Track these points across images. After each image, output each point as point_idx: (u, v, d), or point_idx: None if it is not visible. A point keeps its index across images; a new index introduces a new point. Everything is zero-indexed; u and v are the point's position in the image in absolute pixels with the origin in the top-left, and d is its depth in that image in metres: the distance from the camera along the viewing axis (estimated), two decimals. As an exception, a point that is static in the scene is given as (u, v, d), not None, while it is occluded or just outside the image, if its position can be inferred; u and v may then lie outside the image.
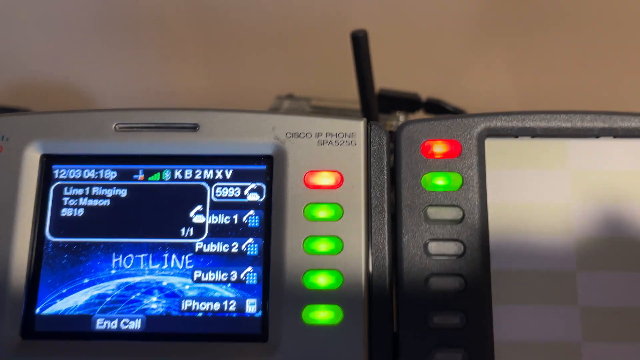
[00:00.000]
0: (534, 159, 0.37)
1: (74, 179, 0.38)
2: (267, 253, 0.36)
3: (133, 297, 0.36)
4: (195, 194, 0.37)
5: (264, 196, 0.37)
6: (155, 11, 0.70)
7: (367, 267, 0.35)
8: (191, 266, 0.36)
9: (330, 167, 0.37)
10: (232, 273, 0.36)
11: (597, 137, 0.37)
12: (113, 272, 0.37)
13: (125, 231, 0.37)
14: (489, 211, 0.36)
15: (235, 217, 0.37)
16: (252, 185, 0.37)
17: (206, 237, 0.37)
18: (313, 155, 0.37)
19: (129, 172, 0.38)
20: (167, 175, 0.38)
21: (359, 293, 0.35)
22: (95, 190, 0.38)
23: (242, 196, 0.37)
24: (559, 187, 0.37)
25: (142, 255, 0.37)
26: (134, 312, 0.36)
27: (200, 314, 0.36)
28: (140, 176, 0.38)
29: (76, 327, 0.36)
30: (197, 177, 0.38)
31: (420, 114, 0.61)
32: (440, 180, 0.37)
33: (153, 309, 0.36)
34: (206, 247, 0.37)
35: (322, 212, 0.36)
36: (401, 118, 0.64)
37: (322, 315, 0.35)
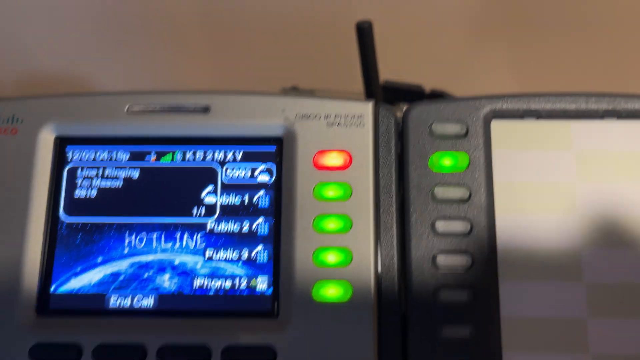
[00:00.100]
0: (539, 139, 0.38)
1: (87, 161, 0.39)
2: (277, 232, 0.37)
3: (146, 275, 0.37)
4: (207, 175, 0.38)
5: (274, 177, 0.38)
6: (162, 6, 0.71)
7: (375, 244, 0.36)
8: (203, 245, 0.37)
9: (339, 148, 0.37)
10: (243, 251, 0.37)
11: (602, 118, 0.38)
12: (126, 251, 0.37)
13: (138, 211, 0.38)
14: (495, 190, 0.37)
15: (246, 197, 0.38)
16: (262, 167, 0.38)
17: (217, 217, 0.37)
18: (322, 137, 0.38)
19: (141, 154, 0.39)
20: (178, 156, 0.38)
21: (367, 270, 0.36)
22: (108, 171, 0.38)
23: (253, 177, 0.38)
24: (564, 167, 0.37)
25: (154, 235, 0.37)
26: (146, 290, 0.37)
27: (212, 292, 0.36)
28: (153, 157, 0.38)
29: (90, 304, 0.37)
30: (208, 158, 0.38)
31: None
32: (447, 161, 0.37)
33: (166, 287, 0.37)
34: (217, 227, 0.37)
35: (332, 192, 0.37)
36: (403, 109, 0.65)
37: (332, 292, 0.35)
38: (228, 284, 0.37)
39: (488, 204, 0.37)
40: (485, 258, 0.36)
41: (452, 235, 0.36)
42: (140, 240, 0.37)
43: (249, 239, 0.37)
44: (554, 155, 0.37)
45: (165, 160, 0.38)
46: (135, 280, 0.37)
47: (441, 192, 0.37)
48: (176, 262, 0.37)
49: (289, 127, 0.38)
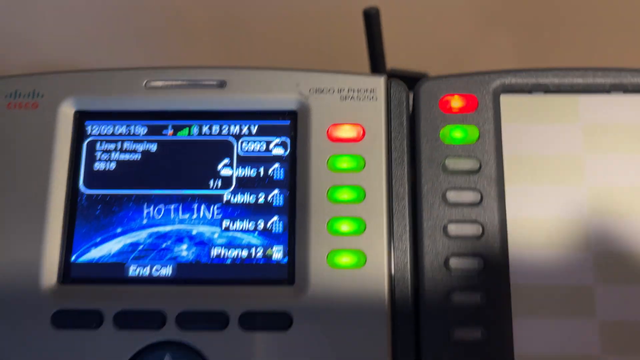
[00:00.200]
0: (547, 113, 0.39)
1: (106, 135, 0.40)
2: (292, 203, 0.38)
3: (164, 245, 0.38)
4: (223, 148, 0.39)
5: (289, 150, 0.39)
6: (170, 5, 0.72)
7: (388, 214, 0.37)
8: (219, 216, 0.38)
9: (352, 121, 0.38)
10: (259, 222, 0.38)
11: (608, 92, 0.39)
12: (144, 222, 0.38)
13: (156, 183, 0.39)
14: (505, 162, 0.38)
15: (261, 169, 0.39)
16: (277, 140, 0.39)
17: (234, 189, 0.38)
18: (336, 110, 0.39)
19: (158, 128, 0.39)
20: (195, 130, 0.39)
21: (380, 238, 0.37)
22: (126, 145, 0.39)
23: (268, 150, 0.39)
24: (571, 140, 0.38)
25: (172, 206, 0.38)
26: (165, 259, 0.38)
27: (228, 261, 0.37)
28: (170, 131, 0.39)
29: (110, 273, 0.38)
30: (224, 132, 0.39)
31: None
32: (457, 133, 0.38)
33: (183, 256, 0.38)
34: (234, 198, 0.38)
35: (345, 164, 0.38)
36: (411, 97, 0.66)
37: (346, 260, 0.36)
38: (244, 253, 0.38)
39: (498, 175, 0.38)
40: (495, 228, 0.37)
41: (462, 205, 0.37)
42: (159, 211, 0.38)
43: (265, 210, 0.38)
44: (562, 128, 0.38)
45: (182, 134, 0.39)
46: (153, 250, 0.38)
47: (452, 163, 0.38)
48: (194, 233, 0.38)
49: (303, 101, 0.39)
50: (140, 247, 0.38)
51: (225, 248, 0.38)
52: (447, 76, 0.39)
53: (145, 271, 0.38)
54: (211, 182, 0.39)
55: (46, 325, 0.36)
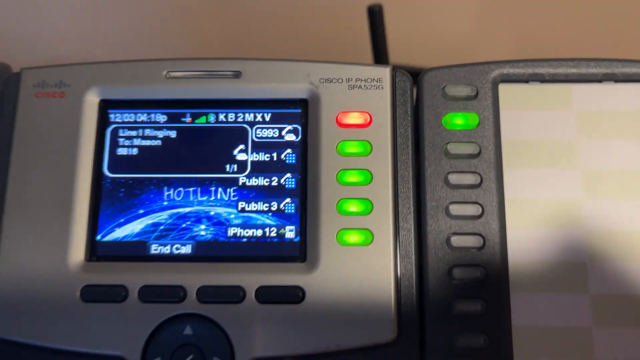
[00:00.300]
0: (543, 101, 0.41)
1: (128, 122, 0.42)
2: (303, 186, 0.40)
3: (184, 225, 0.40)
4: (238, 135, 0.42)
5: (300, 136, 0.41)
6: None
7: (394, 195, 0.40)
8: (236, 198, 0.41)
9: (360, 109, 0.41)
10: (272, 204, 0.40)
11: (600, 81, 0.41)
12: (165, 203, 0.41)
13: (176, 168, 0.41)
14: (503, 147, 0.40)
15: (274, 155, 0.41)
16: (289, 127, 0.42)
17: (249, 173, 0.41)
18: (344, 98, 0.41)
19: (177, 116, 0.42)
20: (212, 118, 0.42)
21: (387, 218, 0.39)
22: (147, 131, 0.42)
23: (280, 136, 0.42)
24: (566, 126, 0.41)
25: (191, 189, 0.41)
26: (184, 238, 0.40)
27: (244, 240, 0.40)
28: (188, 119, 0.42)
29: (133, 251, 0.40)
30: (239, 119, 0.42)
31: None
32: (459, 120, 0.41)
33: (202, 236, 0.40)
34: (249, 181, 0.41)
35: (353, 148, 0.40)
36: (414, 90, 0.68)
37: (354, 238, 0.39)
38: (259, 232, 0.40)
39: (496, 159, 0.40)
40: (494, 208, 0.39)
41: (463, 187, 0.40)
42: (178, 193, 0.41)
43: (278, 193, 0.41)
44: (557, 115, 0.41)
45: (200, 122, 0.42)
46: (174, 229, 0.40)
47: (453, 148, 0.40)
48: (211, 213, 0.41)
49: (313, 90, 0.41)
50: (162, 227, 0.40)
51: (241, 228, 0.40)
52: (449, 66, 0.42)
53: (166, 249, 0.40)
54: (227, 167, 0.41)
55: (75, 299, 0.38)
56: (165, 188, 0.41)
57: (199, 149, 0.41)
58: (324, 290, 0.38)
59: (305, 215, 0.40)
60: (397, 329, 0.38)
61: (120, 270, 0.39)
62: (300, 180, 0.41)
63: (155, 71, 0.42)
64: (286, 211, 0.40)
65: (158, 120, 0.42)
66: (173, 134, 0.42)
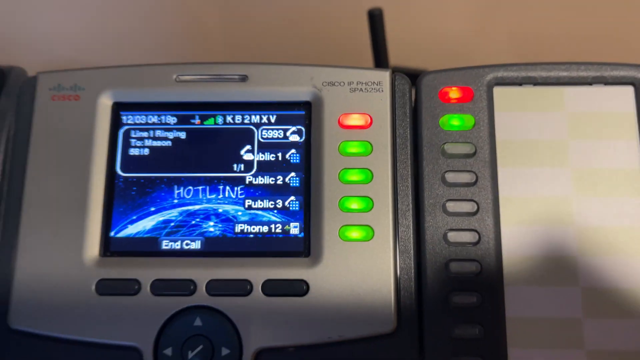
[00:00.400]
0: (536, 103, 0.43)
1: (139, 124, 0.44)
2: (307, 184, 0.42)
3: (193, 222, 0.42)
4: (245, 136, 0.44)
5: (304, 137, 0.43)
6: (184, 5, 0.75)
7: (394, 193, 0.42)
8: (243, 196, 0.43)
9: (361, 110, 0.43)
10: (277, 201, 0.42)
11: (590, 84, 0.43)
12: (175, 201, 0.43)
13: (185, 167, 0.43)
14: (497, 147, 0.42)
15: (279, 155, 0.43)
16: (293, 128, 0.44)
17: (255, 172, 0.43)
18: (346, 101, 0.43)
19: (187, 117, 0.44)
20: (220, 120, 0.44)
21: (387, 215, 0.41)
22: (158, 133, 0.44)
23: (285, 137, 0.44)
24: (557, 127, 0.43)
25: (200, 187, 0.43)
26: (194, 234, 0.42)
27: (251, 235, 0.42)
28: (197, 121, 0.44)
29: (145, 247, 0.42)
30: (246, 121, 0.44)
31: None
32: (455, 121, 0.43)
33: (211, 232, 0.42)
34: (255, 180, 0.43)
35: (354, 149, 0.42)
36: (413, 90, 0.70)
37: (356, 234, 0.41)
38: (265, 229, 0.42)
39: (491, 158, 0.42)
40: (489, 205, 0.41)
41: (459, 185, 0.42)
42: (188, 192, 0.43)
43: (283, 191, 0.43)
44: (549, 117, 0.43)
45: (209, 123, 0.44)
46: (184, 226, 0.42)
47: (450, 148, 0.42)
48: (220, 211, 0.43)
49: (316, 93, 0.43)
50: (172, 223, 0.42)
51: (248, 224, 0.42)
52: (446, 70, 0.44)
53: (177, 245, 0.42)
54: (235, 166, 0.43)
55: (91, 293, 0.40)
56: (176, 186, 0.43)
57: (207, 149, 0.43)
58: (327, 284, 0.40)
59: (309, 212, 0.42)
60: (396, 320, 0.39)
61: (133, 265, 0.41)
62: (304, 179, 0.43)
63: (166, 75, 0.44)
64: (291, 208, 0.42)
65: (168, 122, 0.44)
66: (183, 135, 0.44)
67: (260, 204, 0.42)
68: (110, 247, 0.42)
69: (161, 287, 0.40)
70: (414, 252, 0.41)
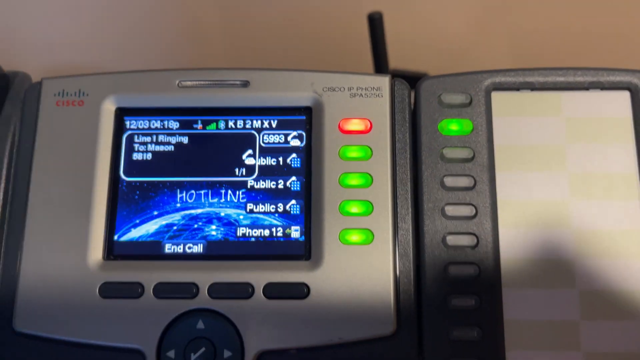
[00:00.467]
0: (533, 108, 0.44)
1: (143, 129, 0.45)
2: (308, 188, 0.43)
3: (196, 225, 0.43)
4: (246, 141, 0.44)
5: (304, 142, 0.44)
6: (181, 3, 0.75)
7: (393, 197, 0.42)
8: (244, 200, 0.43)
9: (360, 115, 0.43)
10: (278, 205, 0.43)
11: (587, 89, 0.44)
12: (178, 205, 0.43)
13: (188, 171, 0.44)
14: (495, 151, 0.43)
15: (280, 159, 0.44)
16: (294, 133, 0.44)
17: (256, 176, 0.44)
18: (346, 106, 0.44)
19: (189, 122, 0.45)
20: (222, 124, 0.45)
21: (386, 218, 0.42)
22: (161, 137, 0.44)
23: (286, 142, 0.44)
24: (555, 131, 0.43)
25: (202, 191, 0.43)
26: (197, 238, 0.43)
27: (253, 239, 0.43)
28: (199, 126, 0.45)
29: (148, 250, 0.43)
30: (247, 126, 0.45)
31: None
32: (454, 126, 0.43)
33: (213, 235, 0.43)
34: (257, 184, 0.43)
35: (354, 153, 0.43)
36: (412, 94, 0.70)
37: (356, 237, 0.41)
38: (266, 232, 0.43)
39: (489, 162, 0.43)
40: (487, 209, 0.42)
41: (458, 189, 0.42)
42: (191, 196, 0.43)
43: (284, 195, 0.43)
44: (546, 121, 0.43)
45: (211, 128, 0.45)
46: (186, 229, 0.43)
47: (449, 152, 0.43)
48: (222, 215, 0.43)
49: (317, 98, 0.44)
50: (175, 227, 0.43)
51: (249, 228, 0.43)
52: (445, 75, 0.44)
53: (180, 248, 0.43)
54: (236, 170, 0.44)
55: (95, 296, 0.41)
56: (178, 191, 0.43)
57: (209, 154, 0.44)
58: (327, 287, 0.40)
59: (309, 216, 0.42)
60: (396, 322, 0.40)
61: (136, 269, 0.41)
62: (305, 183, 0.43)
63: (168, 81, 0.44)
64: (292, 212, 0.43)
65: (171, 127, 0.45)
66: (185, 139, 0.44)
67: (262, 208, 0.43)
68: (113, 251, 0.42)
69: (164, 290, 0.41)
70: (413, 256, 0.42)
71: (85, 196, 0.42)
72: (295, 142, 0.44)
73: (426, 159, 0.43)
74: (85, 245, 0.42)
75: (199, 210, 0.43)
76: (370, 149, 0.43)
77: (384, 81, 0.44)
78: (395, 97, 0.44)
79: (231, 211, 0.43)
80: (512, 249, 0.41)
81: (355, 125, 0.43)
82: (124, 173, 0.44)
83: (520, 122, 0.43)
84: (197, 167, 0.44)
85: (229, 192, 0.43)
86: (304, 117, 0.44)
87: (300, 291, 0.40)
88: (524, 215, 0.42)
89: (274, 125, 0.44)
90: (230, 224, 0.43)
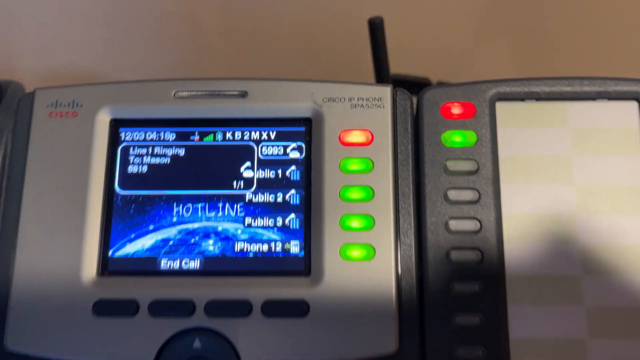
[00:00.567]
0: (539, 118, 0.43)
1: (138, 140, 0.44)
2: (307, 202, 0.42)
3: (192, 240, 0.42)
4: (244, 153, 0.43)
5: (304, 154, 0.43)
6: (181, 5, 0.75)
7: (395, 211, 0.41)
8: (242, 214, 0.42)
9: (361, 127, 0.42)
10: (277, 219, 0.42)
11: (594, 99, 0.43)
12: (174, 219, 0.42)
13: (184, 184, 0.43)
14: (500, 164, 0.42)
15: (279, 171, 0.43)
16: (294, 145, 0.43)
17: (255, 189, 0.42)
18: (347, 117, 0.42)
19: (186, 134, 0.43)
20: (219, 136, 0.43)
21: (388, 233, 0.41)
22: (157, 149, 0.43)
23: (285, 154, 0.43)
24: (561, 143, 0.42)
25: (199, 205, 0.42)
26: (193, 253, 0.42)
27: (251, 254, 0.41)
28: (196, 137, 0.43)
29: (144, 266, 0.42)
30: (245, 137, 0.43)
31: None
32: (457, 138, 0.42)
33: (210, 251, 0.42)
34: (255, 198, 0.42)
35: (355, 166, 0.42)
36: (414, 101, 0.69)
37: (357, 253, 0.40)
38: (265, 247, 0.42)
39: (494, 175, 0.41)
40: (492, 223, 0.41)
41: (462, 202, 0.41)
42: (187, 210, 0.42)
43: (283, 208, 0.42)
44: (552, 132, 0.42)
45: (208, 140, 0.43)
46: (183, 245, 0.42)
47: (452, 165, 0.42)
48: (219, 229, 0.42)
49: (317, 109, 0.43)
50: (171, 242, 0.42)
51: (247, 243, 0.42)
52: (448, 85, 0.43)
53: (176, 264, 0.42)
54: (234, 183, 0.43)
55: (88, 313, 0.40)
56: (175, 204, 0.42)
57: (206, 167, 0.43)
58: (327, 304, 0.39)
59: (309, 231, 0.41)
60: (398, 341, 0.39)
61: (131, 285, 0.40)
62: (305, 196, 0.42)
63: (164, 91, 0.43)
64: (291, 226, 0.42)
65: (167, 138, 0.43)
66: (182, 152, 0.43)
67: (260, 222, 0.42)
68: (108, 267, 0.41)
69: (159, 308, 0.40)
70: (416, 272, 0.41)
71: (79, 210, 0.41)
72: (295, 154, 0.43)
73: (429, 172, 0.42)
74: (78, 260, 0.41)
75: (196, 225, 0.42)
76: (372, 161, 0.42)
77: (386, 91, 0.43)
78: (397, 108, 0.43)
79: (229, 225, 0.42)
80: (517, 265, 0.40)
81: (356, 137, 0.42)
82: (119, 186, 0.43)
83: (526, 133, 0.42)
84: (194, 180, 0.42)
85: (227, 205, 0.42)
86: (304, 129, 0.43)
87: (299, 309, 0.39)
88: (529, 229, 0.41)
89: (272, 136, 0.43)
90: (227, 238, 0.42)
